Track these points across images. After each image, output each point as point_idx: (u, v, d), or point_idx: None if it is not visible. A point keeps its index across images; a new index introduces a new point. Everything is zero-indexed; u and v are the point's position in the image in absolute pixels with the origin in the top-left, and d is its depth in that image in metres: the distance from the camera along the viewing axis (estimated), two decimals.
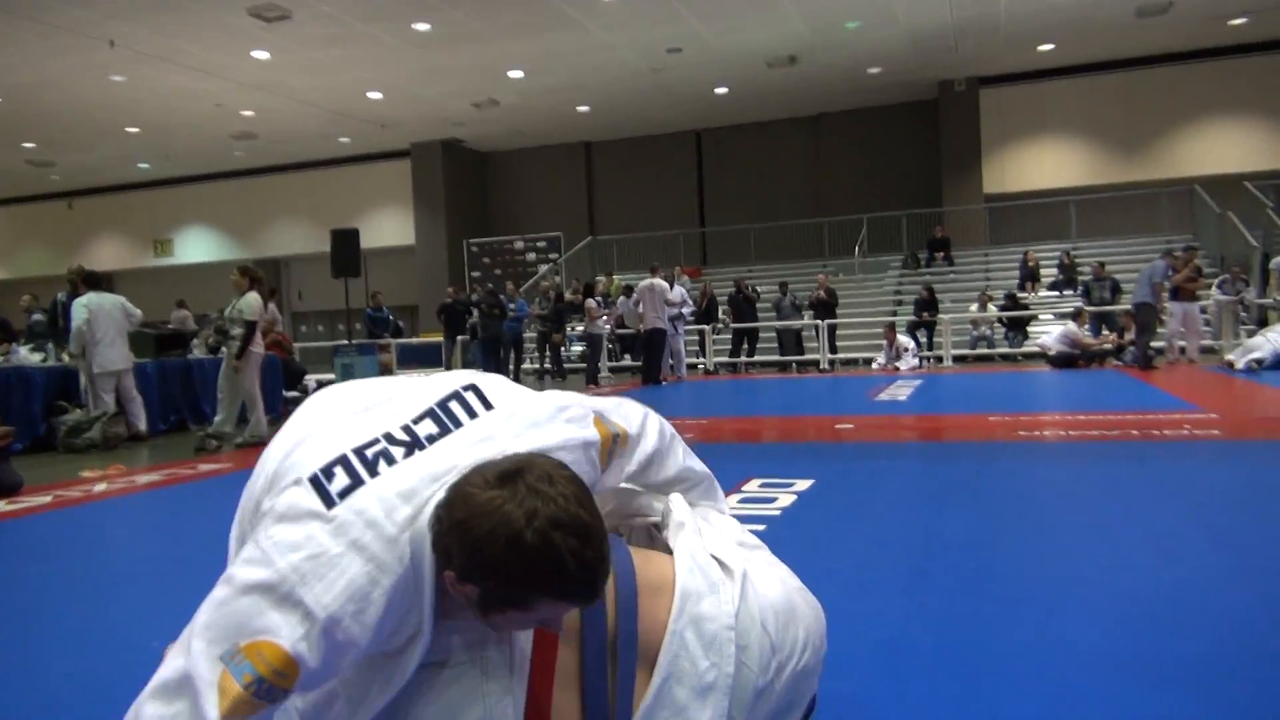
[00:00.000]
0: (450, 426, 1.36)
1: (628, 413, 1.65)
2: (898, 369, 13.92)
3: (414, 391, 1.43)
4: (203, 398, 9.36)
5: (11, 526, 4.52)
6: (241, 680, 1.12)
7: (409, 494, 1.24)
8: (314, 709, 1.31)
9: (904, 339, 14.58)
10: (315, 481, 1.24)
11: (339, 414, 1.40)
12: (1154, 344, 13.02)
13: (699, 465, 1.83)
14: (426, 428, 1.35)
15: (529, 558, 1.15)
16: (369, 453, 1.28)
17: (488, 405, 1.42)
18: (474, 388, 1.45)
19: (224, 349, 8.01)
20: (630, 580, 1.39)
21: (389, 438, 1.31)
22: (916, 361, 14.31)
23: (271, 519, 1.23)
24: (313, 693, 1.27)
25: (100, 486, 5.57)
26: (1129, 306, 13.82)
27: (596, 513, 1.22)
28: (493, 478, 1.21)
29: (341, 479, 1.24)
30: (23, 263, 26.25)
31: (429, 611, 1.24)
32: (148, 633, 2.65)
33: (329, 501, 1.22)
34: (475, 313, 15.22)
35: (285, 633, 1.14)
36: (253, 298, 7.73)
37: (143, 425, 8.27)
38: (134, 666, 2.33)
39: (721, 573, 1.43)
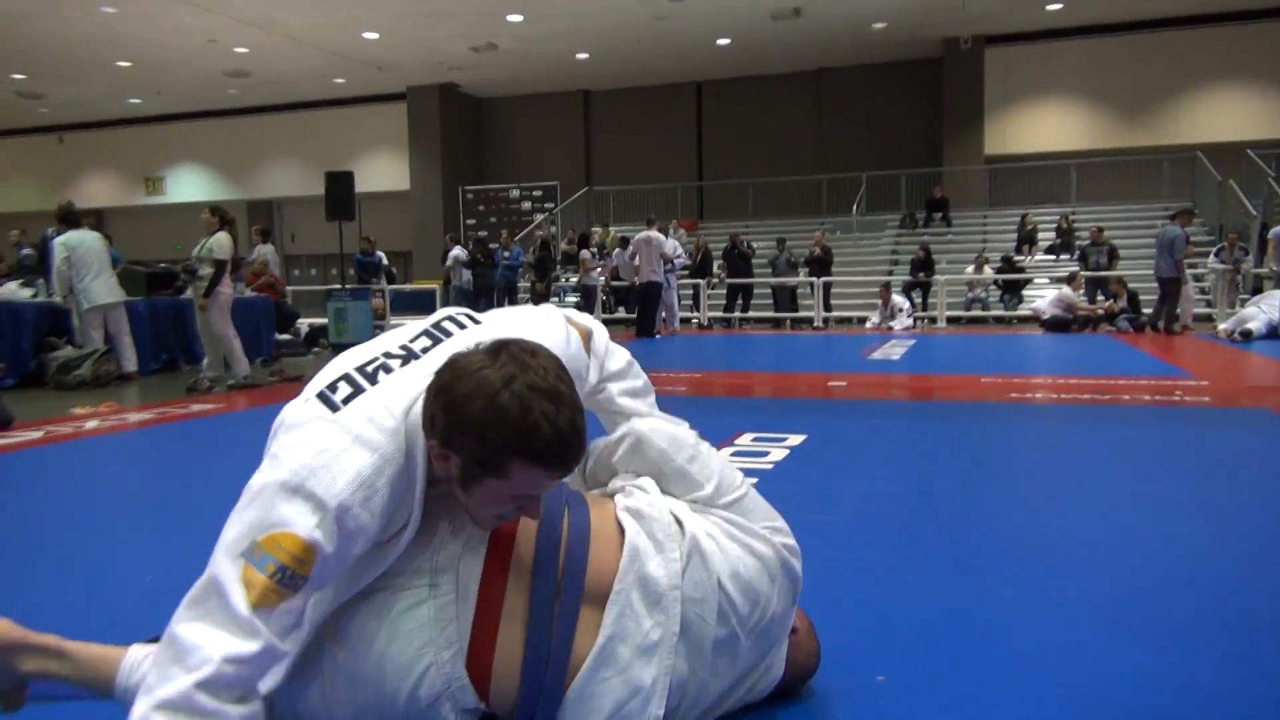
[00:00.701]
0: (442, 338, 1.46)
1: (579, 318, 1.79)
2: (891, 329, 13.92)
3: (409, 326, 1.51)
4: (194, 337, 9.29)
5: (4, 461, 4.51)
6: (265, 570, 1.19)
7: (406, 390, 1.33)
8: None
9: (899, 299, 14.57)
10: (320, 395, 1.33)
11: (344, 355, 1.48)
12: (1148, 311, 13.07)
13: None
14: (421, 343, 1.45)
15: (504, 417, 1.23)
16: (369, 368, 1.37)
17: (476, 321, 1.53)
18: (464, 311, 1.57)
19: (190, 289, 7.91)
20: (584, 525, 1.44)
21: (387, 354, 1.41)
22: (911, 321, 14.31)
23: (281, 431, 1.31)
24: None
25: (91, 424, 5.56)
26: (1120, 274, 13.86)
27: (573, 388, 1.30)
28: (480, 351, 1.30)
29: (344, 390, 1.33)
30: (13, 197, 25.93)
31: (419, 495, 1.32)
32: (139, 567, 2.66)
33: (333, 407, 1.30)
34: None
35: (301, 522, 1.21)
36: (223, 237, 7.62)
37: (131, 365, 8.18)
38: (125, 600, 2.34)
39: (673, 530, 1.44)
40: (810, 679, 1.71)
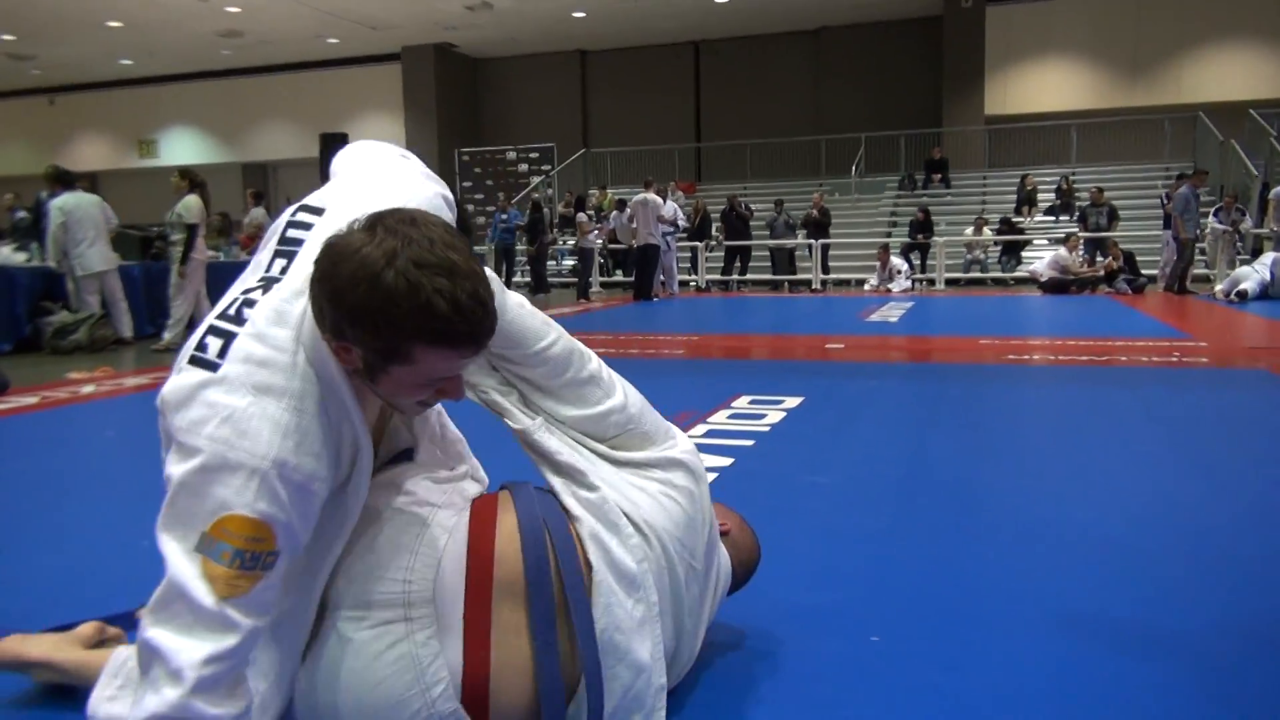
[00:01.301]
0: (296, 249, 1.29)
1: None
2: (890, 290, 13.89)
3: (260, 256, 1.34)
4: None
5: (0, 425, 4.51)
6: (222, 560, 1.11)
7: (279, 316, 1.20)
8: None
9: (897, 261, 14.52)
10: (193, 360, 1.19)
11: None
12: (1147, 272, 13.05)
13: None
14: (278, 265, 1.29)
15: (392, 298, 1.10)
16: (231, 310, 1.23)
17: (319, 211, 1.34)
18: (302, 206, 1.36)
19: (169, 257, 7.90)
20: (565, 534, 1.37)
21: (245, 291, 1.26)
22: (909, 283, 14.28)
23: (170, 412, 1.18)
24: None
25: (88, 388, 5.55)
26: (1114, 235, 13.81)
27: (468, 253, 1.16)
28: (354, 228, 1.15)
29: (215, 344, 1.19)
30: (3, 161, 25.70)
31: (356, 417, 1.23)
32: (135, 530, 2.66)
33: (212, 367, 1.17)
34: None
35: (238, 500, 1.12)
36: (192, 200, 7.61)
37: (127, 331, 8.15)
38: (122, 563, 2.35)
39: (614, 506, 1.41)
40: (755, 570, 1.76)
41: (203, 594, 1.11)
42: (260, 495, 1.12)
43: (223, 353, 1.17)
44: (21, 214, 12.12)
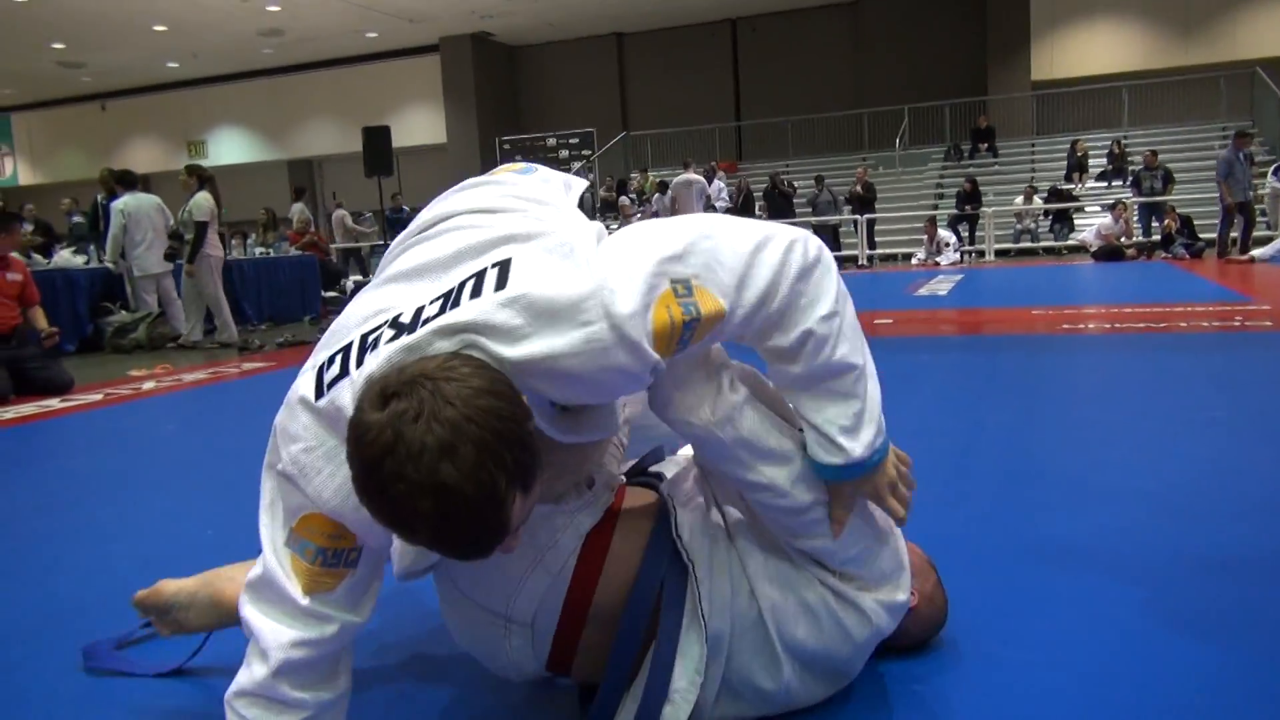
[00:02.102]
0: (449, 307, 1.12)
1: (727, 275, 1.18)
2: (938, 264, 13.68)
3: (456, 266, 1.20)
4: (242, 298, 9.46)
5: (66, 422, 4.65)
6: (306, 557, 1.14)
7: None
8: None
9: (944, 233, 14.30)
10: (320, 369, 1.16)
11: (382, 282, 1.27)
12: (1204, 236, 12.68)
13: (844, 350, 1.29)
14: (432, 309, 1.13)
15: (377, 502, 1.00)
16: (370, 339, 1.14)
17: (501, 283, 1.12)
18: (503, 263, 1.15)
19: (181, 256, 7.91)
20: (678, 607, 1.35)
21: (394, 322, 1.14)
22: (957, 256, 14.06)
23: (284, 406, 1.19)
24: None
25: (149, 385, 5.70)
26: (1170, 199, 13.44)
27: (479, 464, 0.97)
28: (378, 393, 1.01)
29: (335, 369, 1.14)
30: (60, 166, 26.39)
31: None
32: (200, 521, 2.73)
33: (320, 391, 1.14)
34: None
35: (313, 505, 1.14)
36: (202, 198, 7.60)
37: (184, 329, 8.36)
38: (188, 553, 2.41)
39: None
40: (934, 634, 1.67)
41: (292, 587, 1.15)
42: (333, 507, 1.13)
43: (332, 384, 1.13)
44: (78, 218, 12.46)
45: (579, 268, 1.13)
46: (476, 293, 1.12)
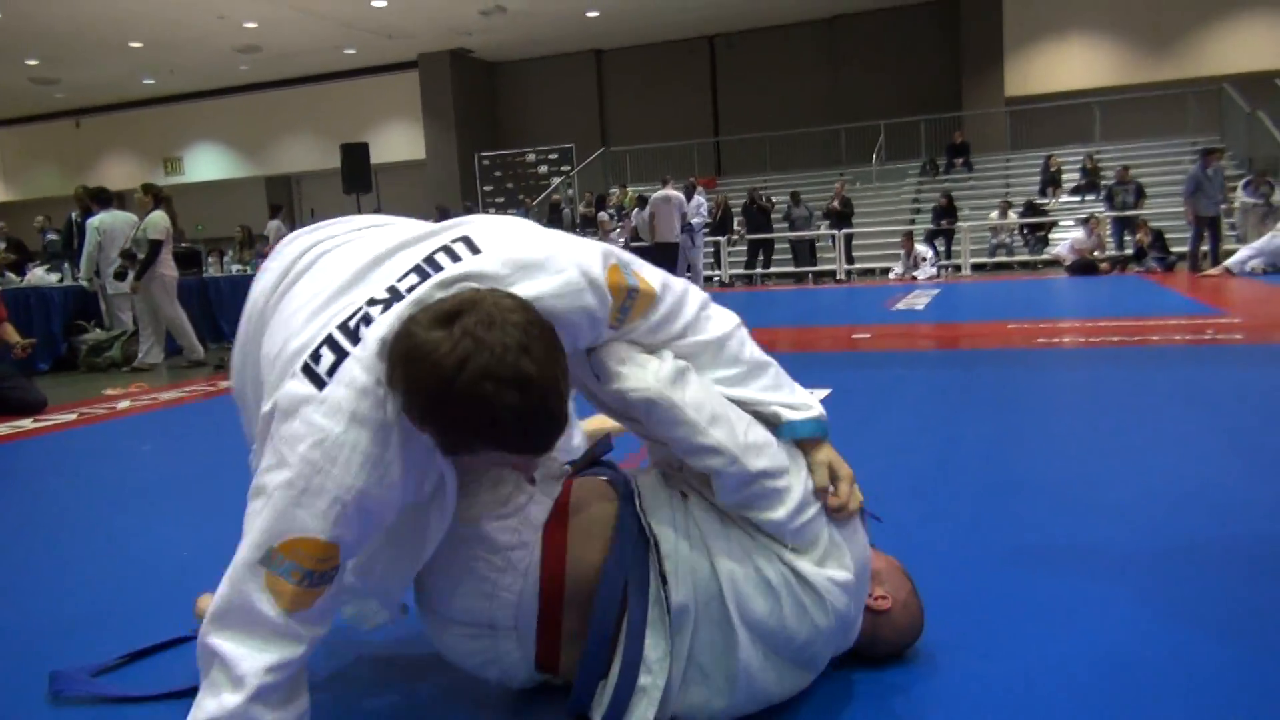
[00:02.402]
0: (431, 273, 1.26)
1: (652, 273, 1.42)
2: (915, 278, 13.79)
3: (405, 250, 1.33)
4: (219, 316, 9.39)
5: (39, 443, 4.60)
6: (291, 579, 1.15)
7: (384, 348, 1.19)
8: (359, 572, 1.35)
9: (921, 248, 14.42)
10: (306, 369, 1.21)
11: (326, 288, 1.32)
12: (1175, 250, 12.85)
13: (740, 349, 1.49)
14: (409, 281, 1.26)
15: (457, 407, 1.11)
16: (352, 322, 1.23)
17: (475, 250, 1.28)
18: (465, 238, 1.31)
19: (130, 274, 7.73)
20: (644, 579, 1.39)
21: (371, 301, 1.24)
22: (934, 270, 14.17)
23: (278, 418, 1.21)
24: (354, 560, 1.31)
25: (123, 404, 5.64)
26: (1142, 214, 13.64)
27: (548, 360, 1.14)
28: (434, 317, 1.14)
29: (328, 358, 1.20)
30: (34, 183, 26.15)
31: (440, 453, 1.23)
32: (176, 542, 2.71)
33: (320, 383, 1.18)
34: None
35: (317, 525, 1.15)
36: (158, 216, 7.49)
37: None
38: (164, 574, 2.39)
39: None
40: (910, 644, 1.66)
41: (269, 606, 1.15)
42: (338, 522, 1.16)
43: (332, 370, 1.19)
44: (52, 236, 12.34)
45: (538, 234, 1.34)
46: (455, 257, 1.28)
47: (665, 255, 12.84)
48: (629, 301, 1.34)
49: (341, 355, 1.20)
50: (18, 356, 5.72)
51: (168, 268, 7.67)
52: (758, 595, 1.34)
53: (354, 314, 1.24)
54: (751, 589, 1.34)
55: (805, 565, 1.36)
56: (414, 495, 1.26)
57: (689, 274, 13.66)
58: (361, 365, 1.18)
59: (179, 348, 7.99)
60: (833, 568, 1.39)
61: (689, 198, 13.68)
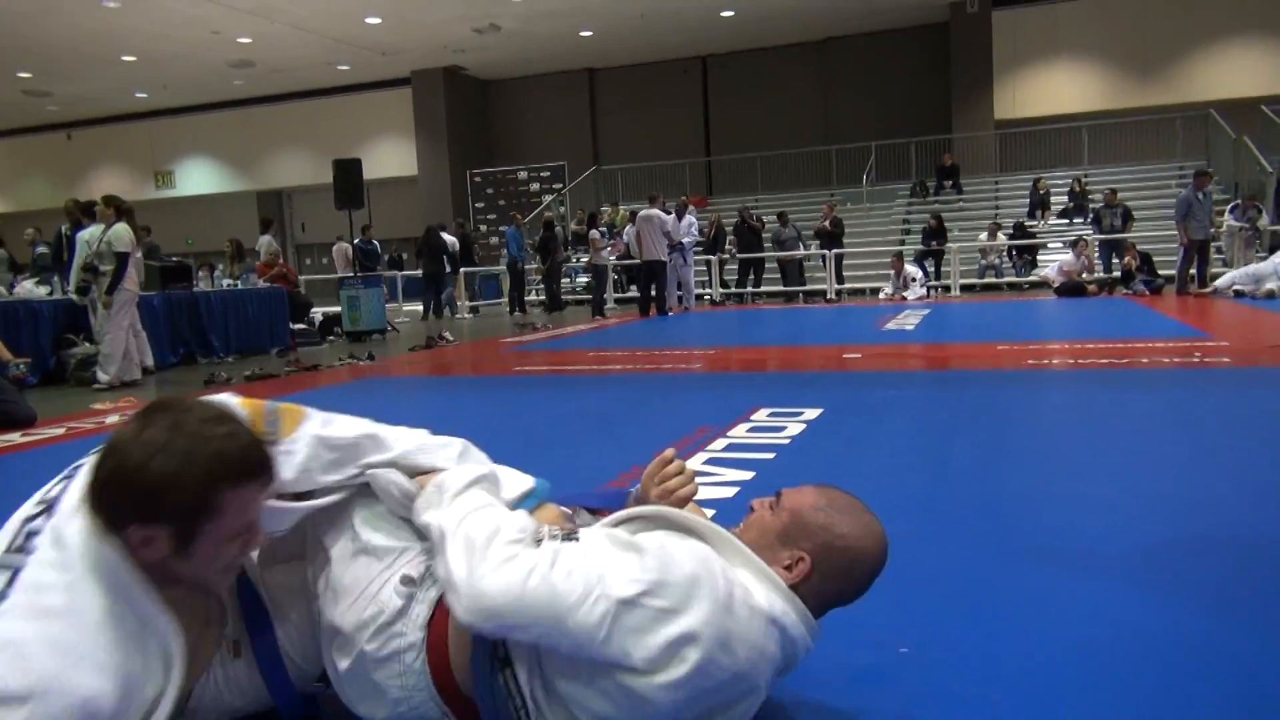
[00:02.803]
0: (74, 473, 1.32)
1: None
2: (905, 298, 13.86)
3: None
4: (210, 330, 9.36)
5: (28, 457, 4.57)
6: None
7: (58, 537, 1.22)
8: None
9: (911, 268, 14.49)
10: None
11: None
12: (1162, 272, 12.95)
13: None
14: (58, 488, 1.32)
15: (191, 455, 1.19)
16: (17, 542, 1.24)
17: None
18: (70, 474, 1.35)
19: (94, 289, 7.47)
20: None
21: (28, 519, 1.27)
22: (924, 291, 14.25)
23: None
24: None
25: (112, 419, 5.61)
26: (1130, 237, 13.76)
27: (233, 417, 1.28)
28: (130, 422, 1.24)
29: (1, 579, 1.19)
30: (24, 195, 26.09)
31: (156, 612, 1.22)
32: None
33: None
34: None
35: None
36: (121, 229, 7.25)
37: (148, 360, 8.24)
38: None
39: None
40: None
41: None
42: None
43: (10, 583, 1.17)
44: (42, 249, 12.29)
45: None
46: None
47: (652, 273, 12.88)
48: (273, 417, 1.43)
49: (16, 570, 1.19)
50: (18, 377, 5.65)
51: (131, 283, 7.44)
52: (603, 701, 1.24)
53: (16, 534, 1.25)
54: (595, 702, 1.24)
55: (637, 683, 1.21)
56: (139, 677, 1.18)
57: (680, 291, 13.70)
58: (38, 564, 1.19)
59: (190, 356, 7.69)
60: (666, 671, 1.20)
61: (680, 216, 13.71)
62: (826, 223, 15.51)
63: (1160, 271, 12.95)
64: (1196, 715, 1.52)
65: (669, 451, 1.60)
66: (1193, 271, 11.92)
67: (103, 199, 7.62)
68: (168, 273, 9.54)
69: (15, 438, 5.05)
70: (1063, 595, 2.06)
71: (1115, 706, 1.55)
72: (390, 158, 22.78)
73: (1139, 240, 13.80)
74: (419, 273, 16.25)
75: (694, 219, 14.93)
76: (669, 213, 13.21)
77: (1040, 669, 1.70)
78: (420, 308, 15.91)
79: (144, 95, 22.77)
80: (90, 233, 8.01)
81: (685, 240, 13.90)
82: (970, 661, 1.74)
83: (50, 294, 8.92)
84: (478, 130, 23.16)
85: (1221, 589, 2.07)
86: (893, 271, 14.49)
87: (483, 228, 21.05)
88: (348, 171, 11.87)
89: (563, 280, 16.72)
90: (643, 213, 12.91)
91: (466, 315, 15.70)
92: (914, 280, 14.24)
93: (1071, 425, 4.28)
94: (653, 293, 12.96)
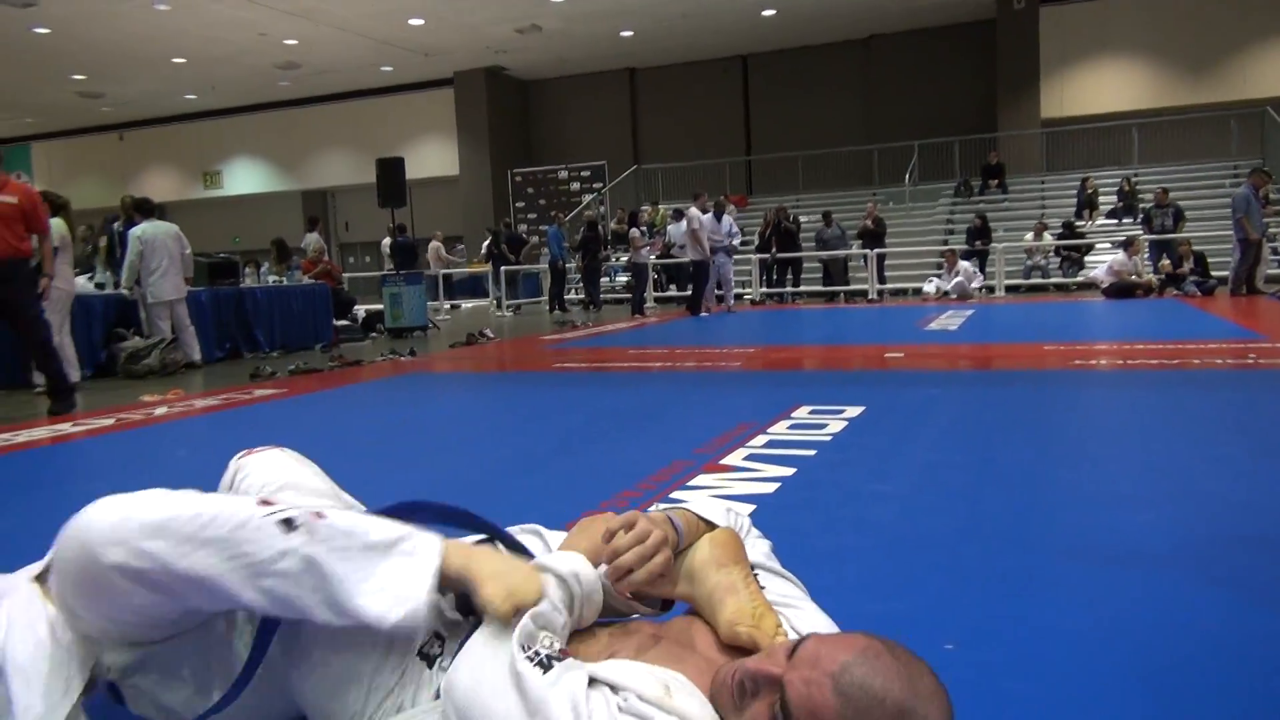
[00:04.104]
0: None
1: None
2: (958, 296, 13.70)
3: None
4: (255, 325, 9.51)
5: (78, 446, 4.67)
6: None
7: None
8: None
9: (965, 264, 14.29)
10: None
11: None
12: (1218, 274, 12.65)
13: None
14: None
15: None
16: None
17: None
18: None
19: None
20: None
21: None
22: (978, 284, 14.05)
23: None
24: None
25: (160, 410, 5.71)
26: (1185, 236, 13.45)
27: None
28: None
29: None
30: (79, 194, 26.39)
31: None
32: None
33: None
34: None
35: None
36: (57, 222, 6.94)
37: (196, 355, 8.39)
38: None
39: None
40: None
41: None
42: None
43: None
44: (90, 246, 12.53)
45: None
46: None
47: (697, 272, 12.75)
48: None
49: None
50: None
51: (64, 280, 6.96)
52: None
53: None
54: None
55: None
56: None
57: (720, 291, 13.58)
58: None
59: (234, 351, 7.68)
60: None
61: (718, 216, 13.57)
62: (869, 221, 15.36)
63: (1213, 273, 12.65)
64: (1251, 714, 1.47)
65: (601, 518, 1.31)
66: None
67: (40, 194, 7.29)
68: (215, 269, 9.71)
69: (68, 428, 5.17)
70: (1111, 592, 2.01)
71: (1165, 703, 1.51)
72: (432, 158, 22.99)
73: (1193, 240, 13.49)
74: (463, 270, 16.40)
75: (732, 220, 14.81)
76: (706, 212, 13.08)
77: (1088, 665, 1.66)
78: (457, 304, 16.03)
79: (193, 97, 23.20)
80: (142, 229, 8.22)
81: (732, 242, 13.72)
82: (1017, 658, 1.71)
83: (101, 288, 9.12)
84: (519, 130, 23.28)
85: (1267, 590, 2.00)
86: (945, 265, 14.29)
87: (523, 228, 21.17)
88: (390, 170, 11.99)
89: (603, 279, 16.75)
90: (691, 210, 12.76)
91: (507, 313, 15.79)
92: (971, 274, 14.08)
93: (1119, 425, 4.19)
94: (691, 292, 12.86)
